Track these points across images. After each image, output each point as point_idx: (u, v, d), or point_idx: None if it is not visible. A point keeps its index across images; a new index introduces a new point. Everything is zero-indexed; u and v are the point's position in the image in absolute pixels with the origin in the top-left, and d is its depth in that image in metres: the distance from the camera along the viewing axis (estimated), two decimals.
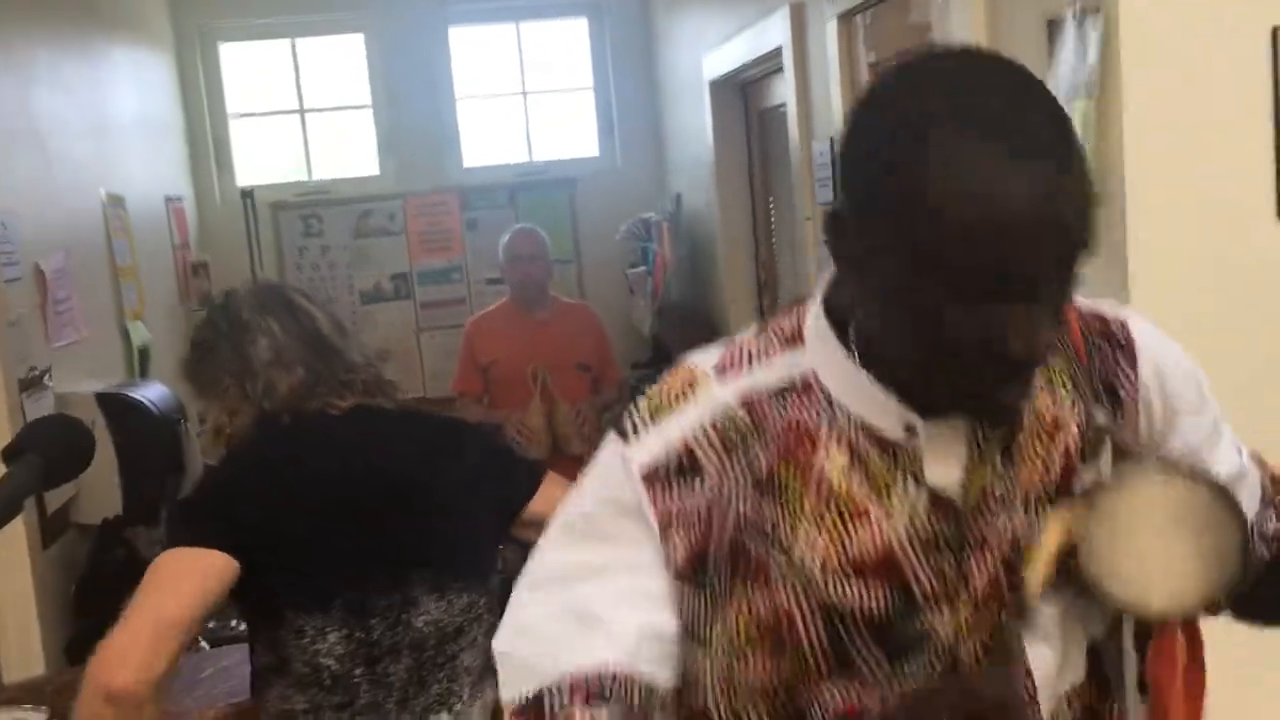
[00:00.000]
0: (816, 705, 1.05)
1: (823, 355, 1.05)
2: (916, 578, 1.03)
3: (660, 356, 4.99)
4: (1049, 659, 1.08)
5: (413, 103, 5.78)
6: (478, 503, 1.96)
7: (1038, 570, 1.04)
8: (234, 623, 2.68)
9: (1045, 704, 1.08)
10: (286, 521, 1.82)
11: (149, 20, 5.30)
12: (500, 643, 1.09)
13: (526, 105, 6.02)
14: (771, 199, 4.51)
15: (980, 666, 1.06)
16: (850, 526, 1.03)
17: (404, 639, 1.86)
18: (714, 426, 1.05)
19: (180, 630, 1.67)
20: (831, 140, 3.28)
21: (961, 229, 0.88)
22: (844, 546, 1.03)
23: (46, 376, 3.35)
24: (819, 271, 3.46)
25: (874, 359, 1.03)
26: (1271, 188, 1.99)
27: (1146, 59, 1.93)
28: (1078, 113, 2.02)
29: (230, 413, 1.91)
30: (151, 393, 3.65)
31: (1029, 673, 1.07)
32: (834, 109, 3.29)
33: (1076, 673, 1.11)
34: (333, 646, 1.83)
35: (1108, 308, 1.14)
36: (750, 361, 1.08)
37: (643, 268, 5.40)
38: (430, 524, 1.89)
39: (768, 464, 1.04)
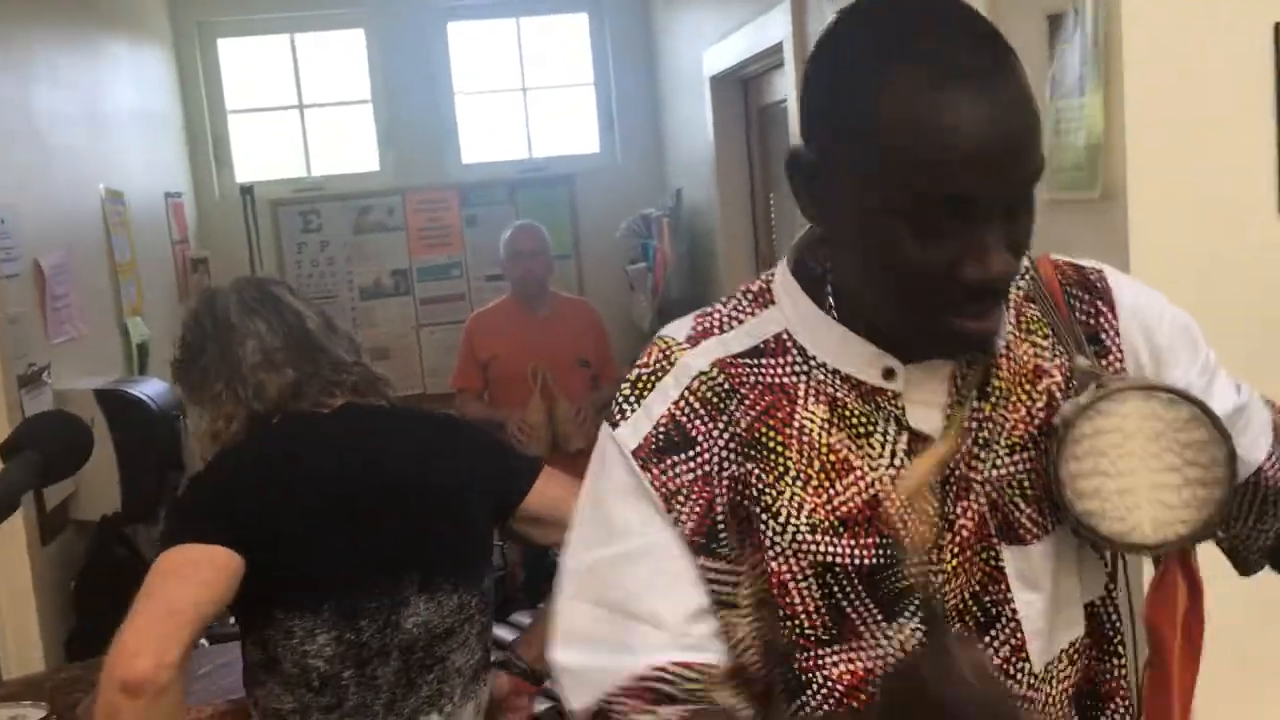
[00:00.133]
0: (819, 675, 1.04)
1: (795, 311, 1.07)
2: (903, 521, 1.03)
3: None
4: (1037, 606, 1.06)
5: (412, 98, 5.77)
6: (474, 502, 1.95)
7: (919, 469, 1.02)
8: (232, 620, 2.68)
9: (1037, 655, 1.06)
10: (285, 520, 1.81)
11: (147, 16, 5.30)
12: (556, 653, 1.09)
13: (526, 101, 6.01)
14: (772, 195, 4.51)
15: (968, 616, 1.04)
16: (835, 480, 1.03)
17: (393, 640, 1.84)
18: (694, 393, 1.06)
19: (190, 618, 1.66)
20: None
21: (913, 156, 0.92)
22: (831, 502, 1.03)
23: (45, 373, 3.35)
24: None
25: (847, 308, 1.04)
26: (1273, 183, 1.98)
27: (1148, 54, 1.93)
28: (1079, 108, 2.02)
29: (226, 418, 1.89)
30: (150, 389, 3.65)
31: (1015, 619, 1.05)
32: None
33: (1074, 629, 1.09)
34: (321, 648, 1.82)
35: (1084, 260, 1.15)
36: (722, 326, 1.09)
37: (643, 264, 5.40)
38: (426, 524, 1.88)
39: (747, 426, 1.04)
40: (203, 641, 2.67)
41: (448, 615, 1.89)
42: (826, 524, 1.02)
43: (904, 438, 1.03)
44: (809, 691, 1.05)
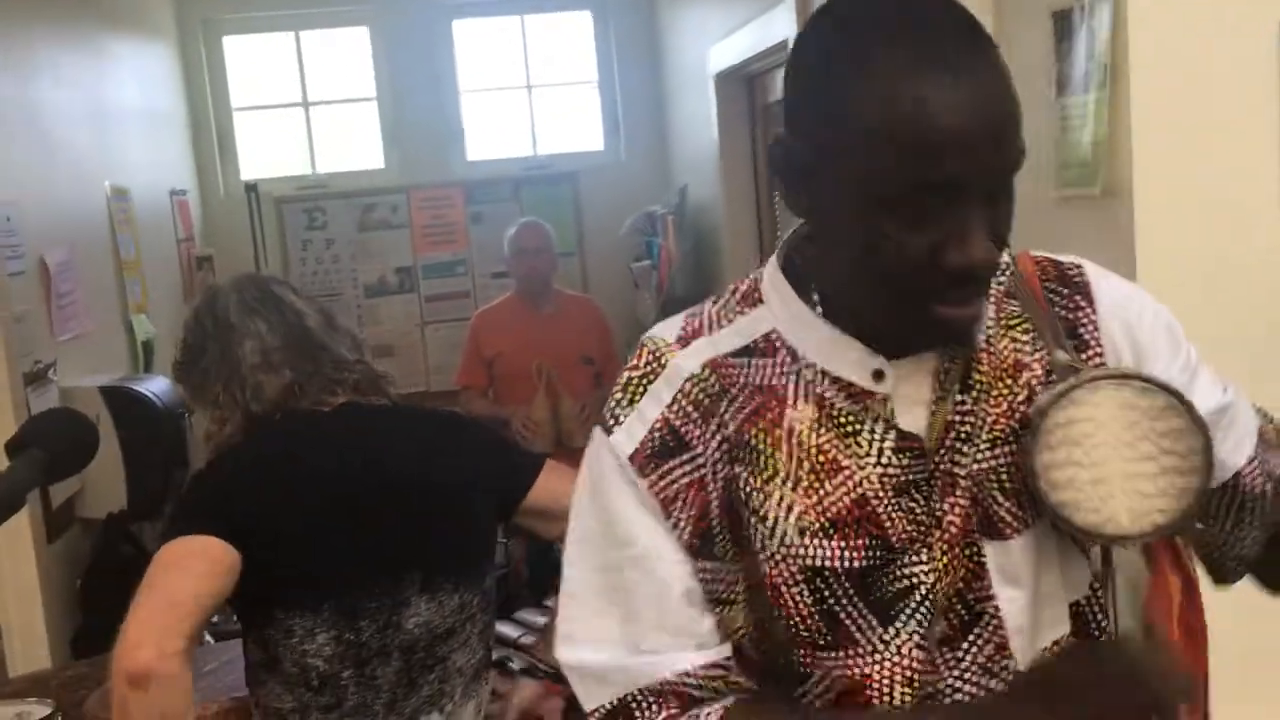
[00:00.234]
0: (819, 676, 1.04)
1: (783, 311, 1.07)
2: (892, 520, 1.02)
3: None
4: (1019, 602, 1.05)
5: (417, 96, 5.78)
6: (477, 500, 1.95)
7: None
8: (235, 618, 2.68)
9: (1020, 653, 1.06)
10: (286, 519, 1.81)
11: (152, 13, 5.30)
12: (564, 653, 1.09)
13: (531, 99, 6.01)
14: (776, 193, 4.51)
15: (952, 613, 1.04)
16: (824, 481, 1.03)
17: (394, 641, 1.84)
18: (686, 396, 1.05)
19: (191, 609, 1.66)
20: None
21: (894, 142, 0.92)
22: (821, 503, 1.02)
23: (51, 370, 3.36)
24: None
25: (833, 304, 1.04)
26: (1278, 183, 1.98)
27: (1154, 53, 1.93)
28: (1085, 105, 2.01)
29: (220, 421, 1.89)
30: (155, 387, 3.66)
31: (998, 616, 1.05)
32: None
33: (1058, 627, 1.08)
34: (321, 647, 1.81)
35: (1063, 255, 1.15)
36: (711, 327, 1.09)
37: (647, 262, 5.40)
38: (428, 523, 1.88)
39: (736, 429, 1.04)
40: (207, 639, 2.68)
41: (449, 615, 1.88)
42: (816, 526, 1.02)
43: (891, 436, 1.03)
44: (811, 680, 1.05)
